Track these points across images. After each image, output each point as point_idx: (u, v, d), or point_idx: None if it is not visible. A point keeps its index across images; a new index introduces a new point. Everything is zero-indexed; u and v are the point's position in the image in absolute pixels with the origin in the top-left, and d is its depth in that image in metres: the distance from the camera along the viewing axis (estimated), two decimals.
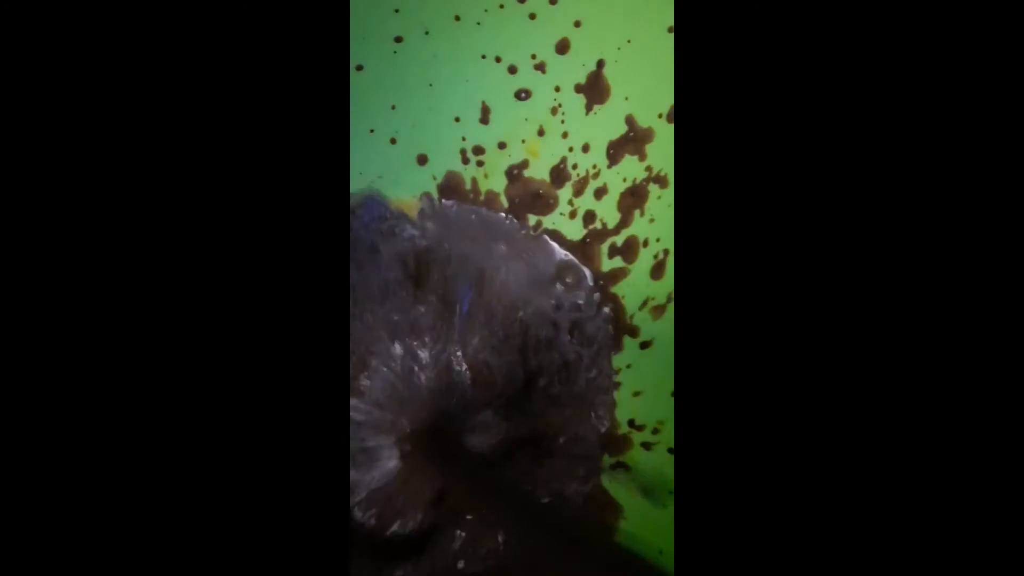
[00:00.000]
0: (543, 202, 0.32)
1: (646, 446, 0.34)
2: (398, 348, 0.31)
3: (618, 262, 0.32)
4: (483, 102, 0.29)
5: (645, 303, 0.33)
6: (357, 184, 0.30)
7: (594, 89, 0.29)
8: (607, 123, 0.30)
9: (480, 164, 0.30)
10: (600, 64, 0.28)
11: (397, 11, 0.25)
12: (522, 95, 0.29)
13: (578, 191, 0.32)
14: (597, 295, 0.33)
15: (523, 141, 0.30)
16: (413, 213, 0.31)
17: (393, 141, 0.29)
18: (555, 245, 0.33)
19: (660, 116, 0.29)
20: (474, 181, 0.31)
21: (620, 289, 0.33)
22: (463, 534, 0.31)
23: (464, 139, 0.30)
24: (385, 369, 0.31)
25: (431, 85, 0.28)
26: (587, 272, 0.33)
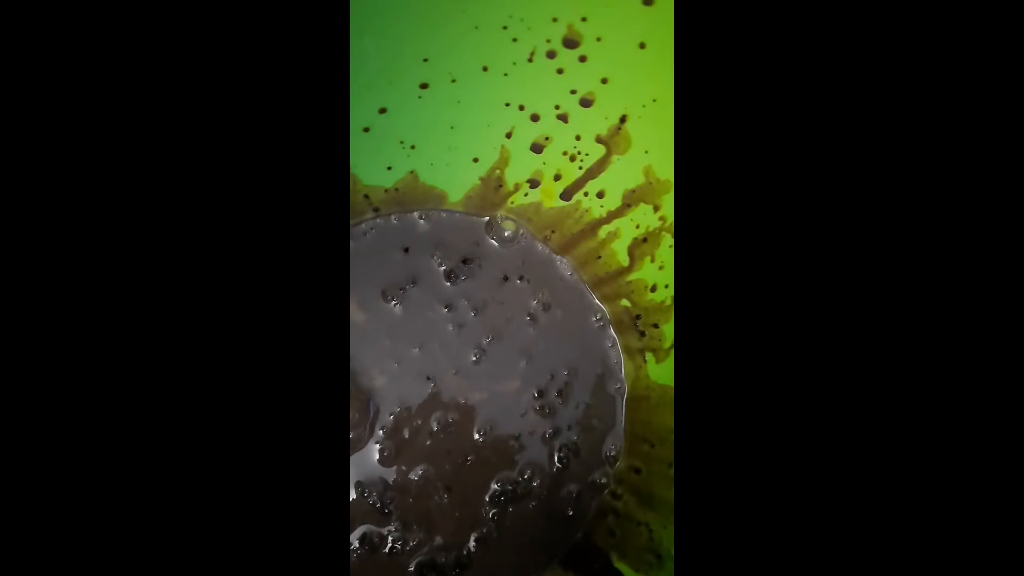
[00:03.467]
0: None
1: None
2: None
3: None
4: (503, 146, 0.29)
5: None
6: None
7: (614, 140, 0.29)
8: (625, 173, 0.30)
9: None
10: (623, 119, 0.28)
11: (426, 60, 0.25)
12: (542, 141, 0.29)
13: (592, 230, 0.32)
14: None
15: (538, 184, 0.30)
16: None
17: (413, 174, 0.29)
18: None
19: None
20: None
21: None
22: None
23: (481, 179, 0.30)
24: None
25: (452, 128, 0.28)
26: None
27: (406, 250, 0.33)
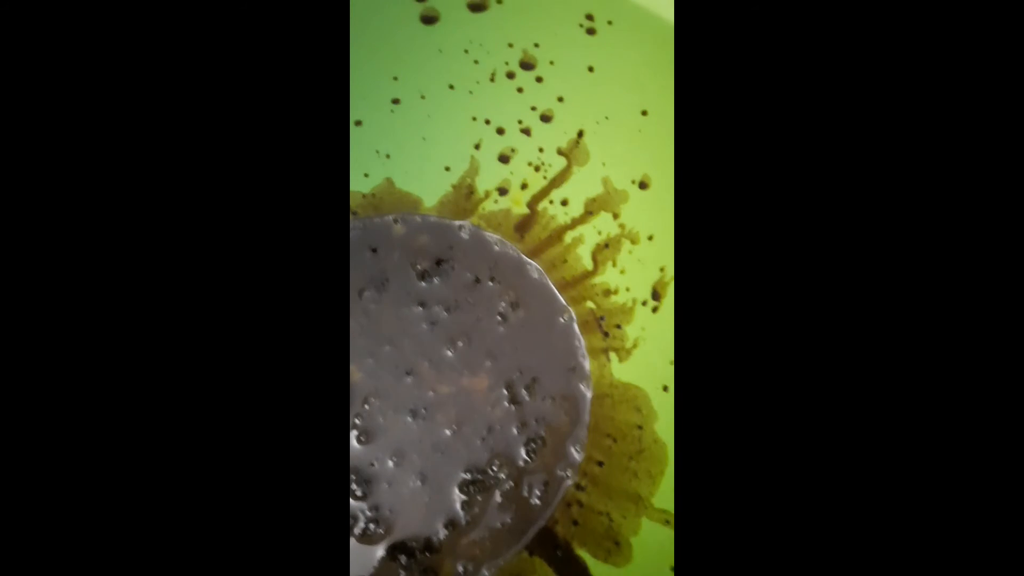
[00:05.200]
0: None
1: None
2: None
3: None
4: (472, 156, 0.31)
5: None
6: (353, 221, 0.32)
7: (574, 153, 0.31)
8: (586, 183, 0.32)
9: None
10: (580, 133, 0.30)
11: (396, 79, 0.27)
12: (509, 152, 0.31)
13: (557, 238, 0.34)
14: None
15: (506, 192, 0.33)
16: None
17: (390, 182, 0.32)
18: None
19: (633, 182, 0.32)
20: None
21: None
22: None
23: (453, 186, 0.32)
24: None
25: (424, 139, 0.30)
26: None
27: (374, 250, 0.35)
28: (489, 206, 0.35)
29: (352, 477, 0.35)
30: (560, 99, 0.28)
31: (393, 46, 0.25)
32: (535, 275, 0.37)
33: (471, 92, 0.28)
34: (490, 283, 0.37)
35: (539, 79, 0.27)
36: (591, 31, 0.24)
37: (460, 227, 0.36)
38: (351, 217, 0.34)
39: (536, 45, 0.26)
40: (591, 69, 0.26)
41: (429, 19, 0.25)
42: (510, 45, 0.26)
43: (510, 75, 0.27)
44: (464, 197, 0.35)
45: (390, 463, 0.35)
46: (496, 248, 0.37)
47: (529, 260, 0.37)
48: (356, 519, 0.35)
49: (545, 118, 0.29)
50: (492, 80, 0.28)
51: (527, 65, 0.27)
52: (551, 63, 0.26)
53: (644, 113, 0.29)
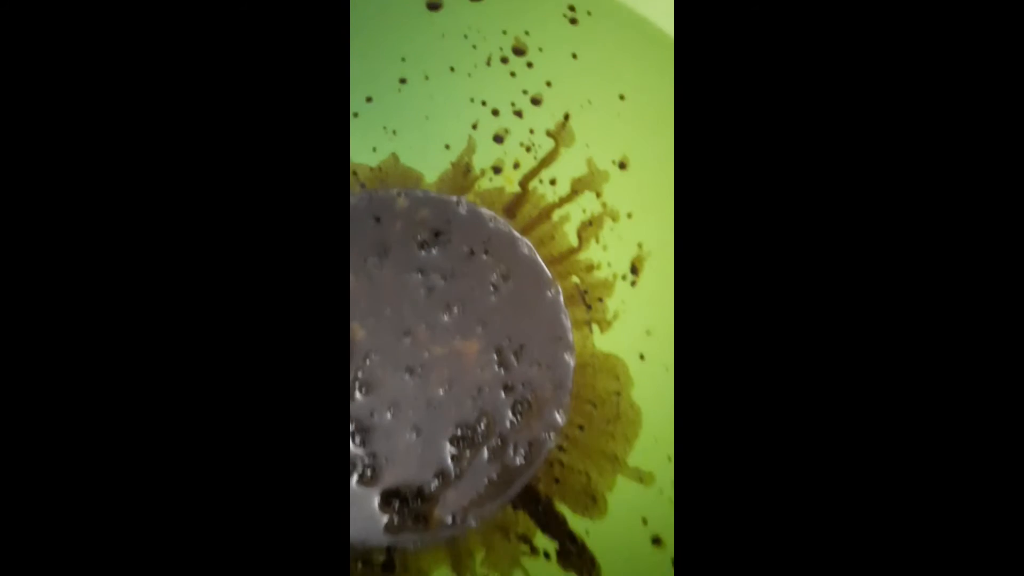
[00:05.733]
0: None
1: None
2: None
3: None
4: (470, 136, 0.35)
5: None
6: (360, 192, 0.36)
7: (561, 135, 0.35)
8: (571, 164, 0.36)
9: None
10: (566, 116, 0.34)
11: (403, 59, 0.31)
12: (503, 133, 0.35)
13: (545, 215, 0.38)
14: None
15: (500, 171, 0.36)
16: None
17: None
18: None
19: (613, 163, 0.35)
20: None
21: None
22: None
23: (452, 164, 0.36)
24: None
25: (427, 118, 0.34)
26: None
27: (377, 220, 0.39)
28: (484, 184, 0.38)
29: (352, 425, 0.38)
30: (548, 83, 0.32)
31: (402, 29, 0.29)
32: (525, 251, 0.41)
33: (469, 75, 0.32)
34: (484, 256, 0.40)
35: (529, 64, 0.31)
36: (574, 21, 0.28)
37: (458, 202, 0.40)
38: (359, 189, 0.38)
39: (527, 32, 0.30)
40: (575, 56, 0.30)
41: (434, 6, 0.29)
42: (504, 32, 0.30)
43: (504, 60, 0.31)
44: (462, 174, 0.38)
45: (388, 415, 0.38)
46: (490, 224, 0.40)
47: (520, 236, 0.41)
48: (355, 464, 0.38)
49: (535, 101, 0.33)
50: (488, 64, 0.31)
51: (519, 51, 0.30)
52: (540, 49, 0.30)
53: (622, 97, 0.32)
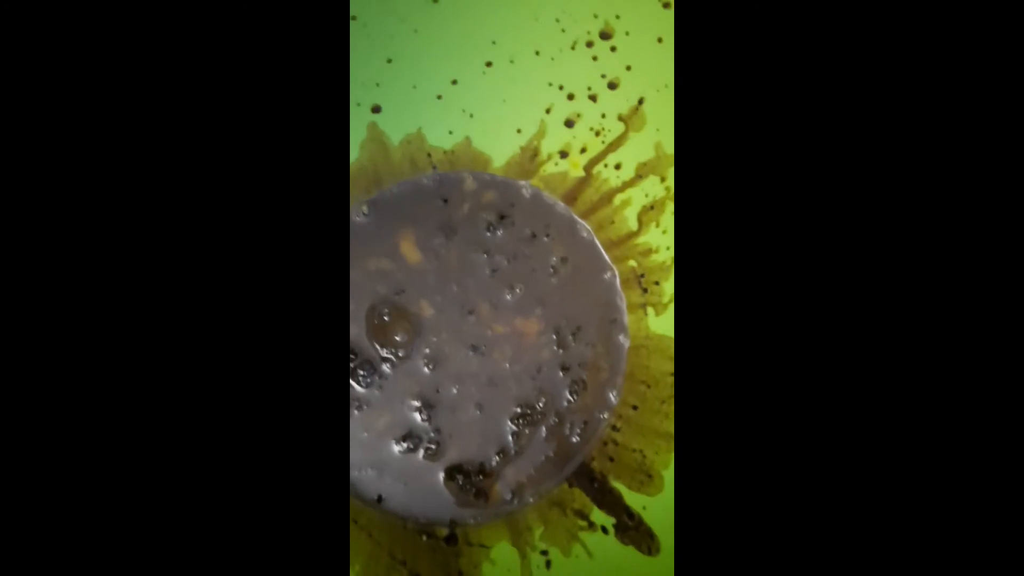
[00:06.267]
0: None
1: None
2: None
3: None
4: (542, 120, 0.36)
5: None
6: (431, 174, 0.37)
7: (632, 120, 0.36)
8: (639, 147, 0.37)
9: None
10: (640, 100, 0.35)
11: (494, 43, 0.32)
12: (575, 117, 0.36)
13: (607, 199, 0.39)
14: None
15: (567, 155, 0.38)
16: None
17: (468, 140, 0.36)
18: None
19: None
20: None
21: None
22: None
23: (521, 148, 0.37)
24: None
25: (504, 101, 0.35)
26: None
27: (445, 201, 0.40)
28: (549, 168, 0.39)
29: (419, 401, 0.39)
30: (628, 68, 0.33)
31: (497, 11, 0.30)
32: (584, 234, 0.42)
33: (552, 59, 0.33)
34: (545, 239, 0.41)
35: (613, 48, 0.32)
36: (667, 4, 0.29)
37: (523, 187, 0.41)
38: (432, 171, 0.39)
39: (617, 16, 0.31)
40: (660, 40, 0.31)
41: None
42: (595, 15, 0.31)
43: (589, 44, 0.32)
44: (529, 159, 0.39)
45: (453, 390, 0.39)
46: (552, 208, 0.42)
47: (580, 220, 0.42)
48: (420, 439, 0.39)
49: (612, 85, 0.34)
50: (572, 48, 0.33)
51: (606, 35, 0.32)
52: (627, 33, 0.31)
53: None
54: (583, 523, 0.39)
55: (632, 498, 0.39)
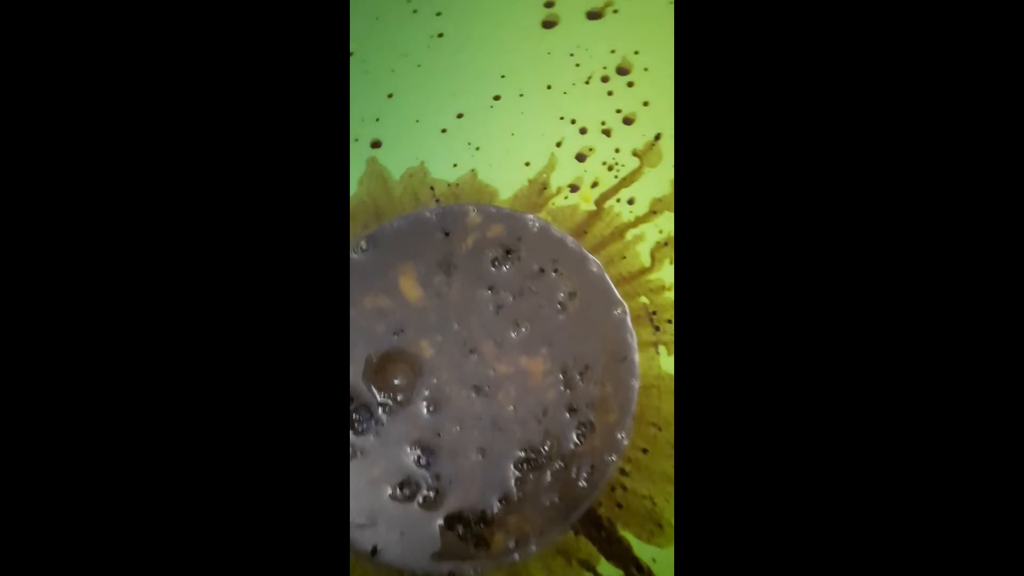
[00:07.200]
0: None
1: None
2: None
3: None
4: (552, 153, 0.34)
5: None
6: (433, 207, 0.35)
7: (648, 155, 0.34)
8: (654, 183, 0.35)
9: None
10: (657, 136, 0.33)
11: (503, 76, 0.30)
12: (587, 151, 0.34)
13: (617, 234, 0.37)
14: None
15: (577, 188, 0.36)
16: None
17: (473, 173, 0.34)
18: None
19: None
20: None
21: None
22: None
23: (529, 181, 0.35)
24: None
25: (513, 135, 0.33)
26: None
27: (446, 234, 0.38)
28: (559, 201, 0.37)
29: (418, 447, 0.37)
30: (645, 103, 0.31)
31: (509, 47, 0.28)
32: (594, 269, 0.40)
33: (565, 93, 0.31)
34: (553, 274, 0.39)
35: (630, 84, 0.30)
36: None
37: (531, 220, 0.39)
38: (434, 204, 0.37)
39: (636, 52, 0.29)
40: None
41: (549, 24, 0.28)
42: (612, 51, 0.29)
43: (604, 79, 0.30)
44: (537, 192, 0.37)
45: (453, 433, 0.37)
46: (560, 242, 0.40)
47: (590, 255, 0.40)
48: (419, 486, 0.37)
49: (628, 121, 0.32)
50: (587, 83, 0.31)
51: (623, 70, 0.30)
52: (645, 69, 0.29)
53: None
54: (589, 575, 0.38)
55: (641, 549, 0.37)
